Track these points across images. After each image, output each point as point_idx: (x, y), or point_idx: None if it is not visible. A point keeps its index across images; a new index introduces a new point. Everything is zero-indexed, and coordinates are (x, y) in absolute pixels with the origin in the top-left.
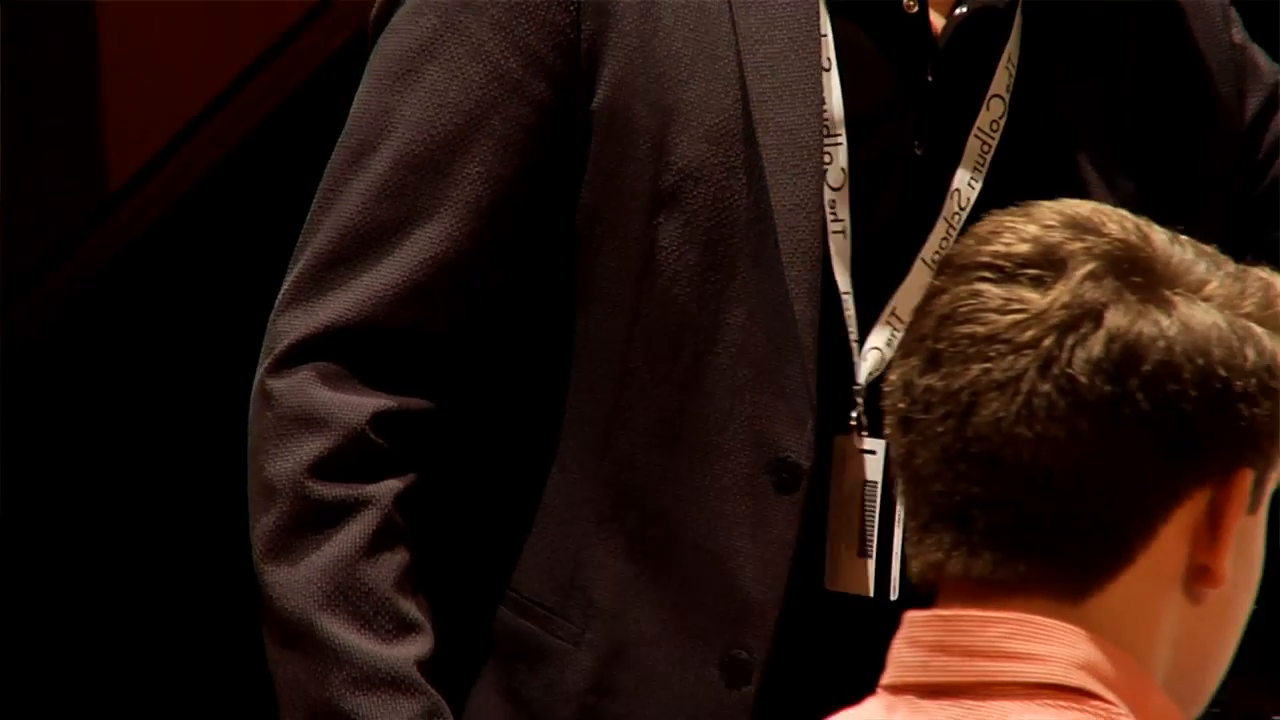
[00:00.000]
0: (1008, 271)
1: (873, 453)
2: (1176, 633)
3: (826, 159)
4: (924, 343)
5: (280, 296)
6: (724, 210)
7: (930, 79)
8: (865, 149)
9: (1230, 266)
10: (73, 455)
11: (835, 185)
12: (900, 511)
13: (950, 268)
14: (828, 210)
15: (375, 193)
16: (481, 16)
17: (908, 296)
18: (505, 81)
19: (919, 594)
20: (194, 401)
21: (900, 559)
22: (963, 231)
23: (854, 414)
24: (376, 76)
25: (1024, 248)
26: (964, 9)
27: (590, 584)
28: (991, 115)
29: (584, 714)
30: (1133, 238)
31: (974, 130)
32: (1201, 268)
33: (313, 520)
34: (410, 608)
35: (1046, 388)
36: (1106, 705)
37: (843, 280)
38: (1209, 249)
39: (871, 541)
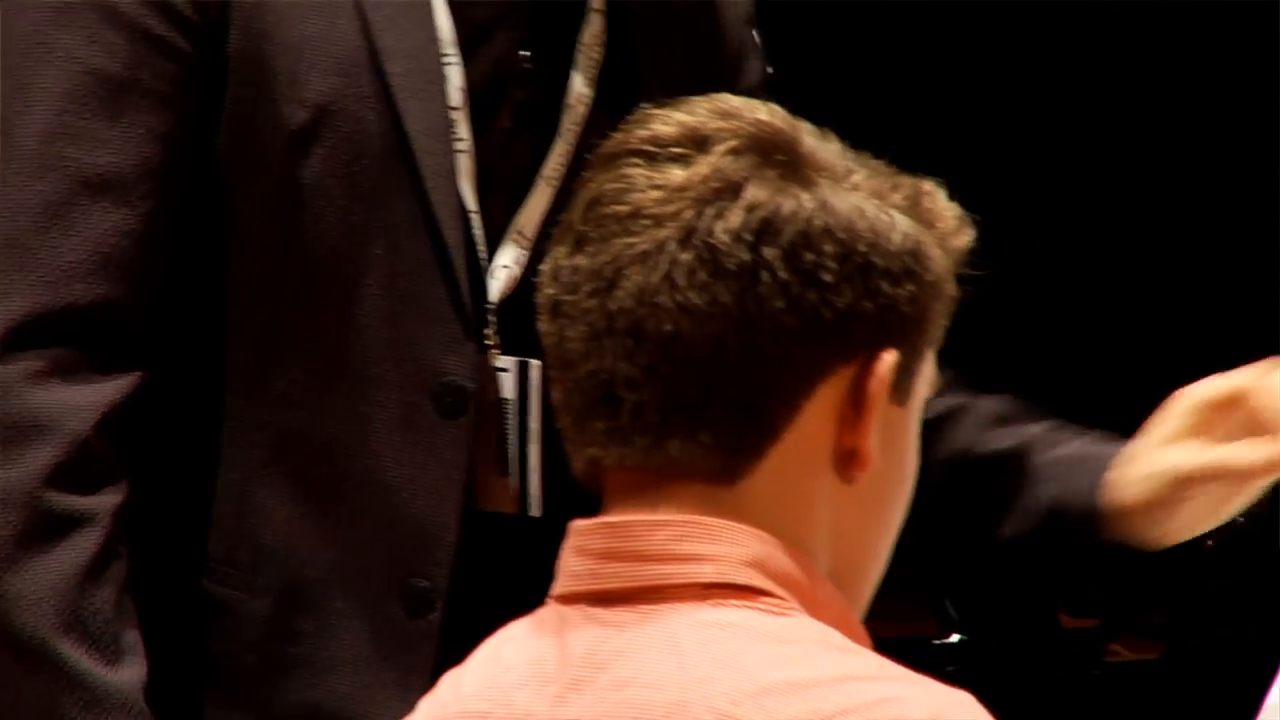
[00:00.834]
0: (653, 154)
1: (506, 370)
2: (832, 518)
3: (444, 79)
4: (572, 229)
5: None
6: (361, 140)
7: None
8: (477, 67)
9: (883, 168)
10: None
11: (455, 105)
12: (535, 427)
13: (600, 159)
14: (451, 130)
15: (33, 169)
16: None
17: (531, 215)
18: (148, 38)
19: (570, 509)
20: None
21: (540, 476)
22: (583, 147)
23: (488, 332)
24: (5, 55)
25: (670, 130)
26: None
27: (258, 530)
28: (593, 28)
29: (268, 662)
30: (780, 123)
31: (579, 43)
32: (849, 162)
33: (42, 533)
34: (130, 631)
35: (687, 257)
36: (777, 600)
37: (470, 199)
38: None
39: (513, 459)
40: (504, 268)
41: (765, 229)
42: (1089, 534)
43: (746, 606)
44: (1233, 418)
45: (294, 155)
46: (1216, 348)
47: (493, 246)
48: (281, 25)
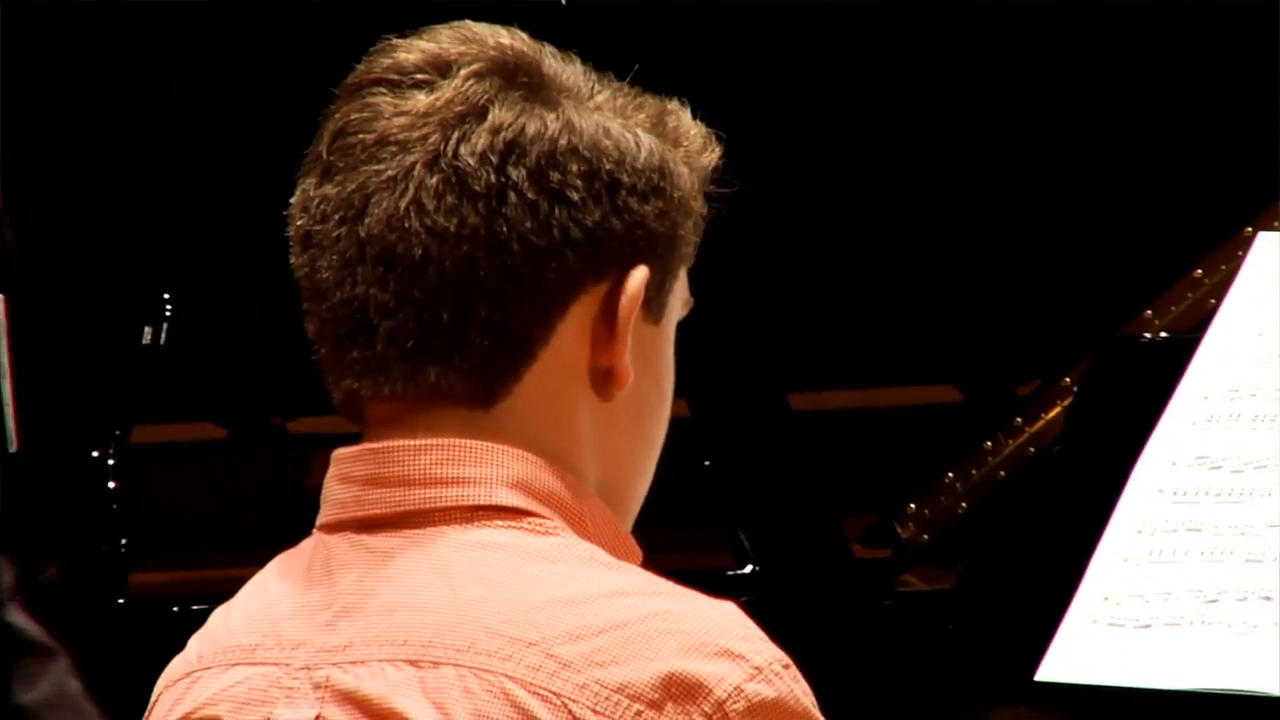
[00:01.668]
0: (396, 82)
1: None
2: (596, 436)
3: None
4: (319, 160)
5: None
6: None
7: None
8: None
9: (626, 89)
10: None
11: None
12: (4, 363)
13: (345, 90)
14: None
15: None
16: None
17: None
18: None
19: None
20: None
21: (6, 411)
22: None
23: None
24: None
25: (413, 58)
26: None
27: None
28: None
29: None
30: (523, 47)
31: None
32: (593, 84)
33: None
34: None
35: (434, 180)
36: (542, 520)
37: None
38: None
39: None
40: None
41: (511, 150)
42: None
43: (513, 527)
44: None
45: None
46: None
47: None
48: None
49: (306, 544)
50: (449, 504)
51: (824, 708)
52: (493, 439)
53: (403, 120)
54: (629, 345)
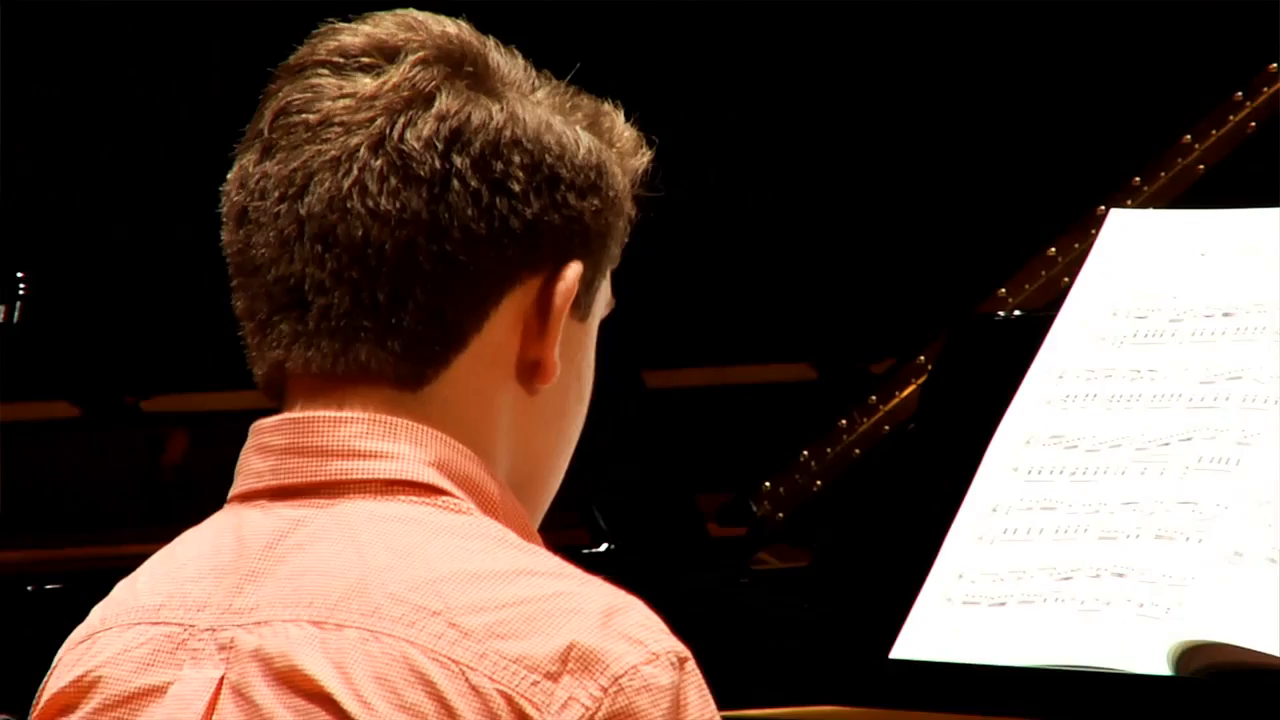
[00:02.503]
0: (341, 65)
1: None
2: (513, 427)
3: None
4: (259, 137)
5: None
6: None
7: None
8: None
9: (562, 87)
10: None
11: None
12: None
13: (285, 70)
14: None
15: None
16: None
17: None
18: None
19: None
20: None
21: None
22: None
23: None
24: None
25: (357, 41)
26: None
27: None
28: None
29: None
30: (467, 35)
31: None
32: (533, 79)
33: None
34: None
35: (379, 163)
36: (455, 499)
37: None
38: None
39: None
40: None
41: (456, 137)
42: None
43: (426, 503)
44: None
45: None
46: None
47: None
48: None
49: (217, 515)
50: (365, 476)
51: None
52: (415, 420)
53: (347, 102)
54: (558, 340)
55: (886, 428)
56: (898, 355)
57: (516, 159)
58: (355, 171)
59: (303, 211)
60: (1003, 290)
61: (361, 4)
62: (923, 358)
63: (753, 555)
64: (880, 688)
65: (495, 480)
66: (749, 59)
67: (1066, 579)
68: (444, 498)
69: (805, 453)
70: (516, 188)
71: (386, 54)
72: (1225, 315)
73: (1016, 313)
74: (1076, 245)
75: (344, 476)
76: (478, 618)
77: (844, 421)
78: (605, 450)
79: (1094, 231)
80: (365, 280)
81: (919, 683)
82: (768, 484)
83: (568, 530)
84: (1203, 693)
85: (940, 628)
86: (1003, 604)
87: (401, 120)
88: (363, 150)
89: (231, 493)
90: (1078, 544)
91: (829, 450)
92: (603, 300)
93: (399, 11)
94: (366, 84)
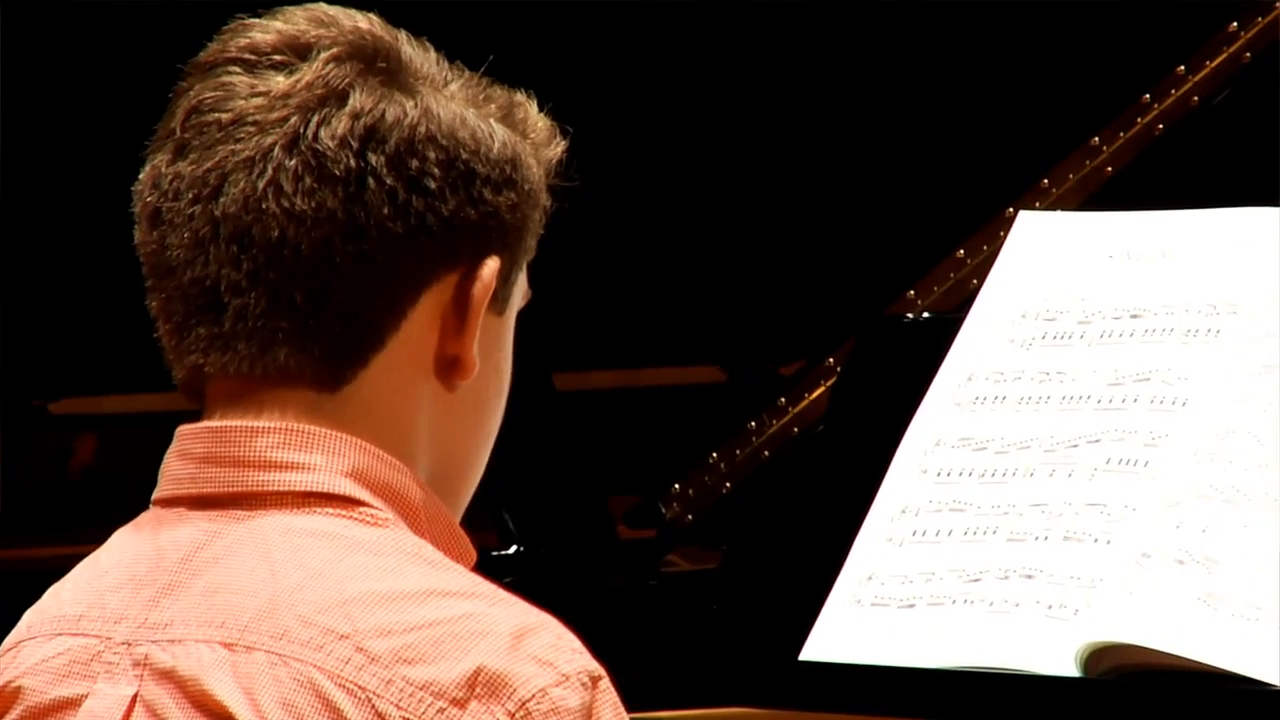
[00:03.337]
0: (253, 62)
1: None
2: (432, 425)
3: None
4: (172, 136)
5: None
6: None
7: None
8: None
9: (475, 79)
10: None
11: None
12: None
13: (196, 68)
14: None
15: None
16: None
17: None
18: None
19: None
20: None
21: None
22: None
23: None
24: None
25: (269, 38)
26: None
27: None
28: None
29: None
30: (379, 30)
31: None
32: (446, 71)
33: None
34: None
35: (293, 163)
36: (373, 511)
37: None
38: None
39: None
40: None
41: (371, 135)
42: None
43: (342, 515)
44: None
45: None
46: None
47: None
48: None
49: (142, 518)
50: (281, 488)
51: None
52: (334, 423)
53: (260, 101)
54: (477, 335)
55: (796, 429)
56: (807, 357)
57: (432, 155)
58: (270, 171)
59: (217, 212)
60: (911, 292)
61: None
62: (832, 360)
63: (662, 557)
64: (789, 689)
65: (417, 484)
66: (660, 61)
67: (975, 580)
68: (361, 509)
69: (714, 455)
70: (433, 185)
71: (298, 51)
72: (1133, 317)
73: (925, 314)
74: (985, 247)
75: (261, 488)
76: (385, 641)
77: (753, 423)
78: (515, 452)
79: (1002, 233)
80: (282, 281)
81: (828, 684)
82: (677, 486)
83: (478, 532)
84: (1111, 694)
85: (849, 629)
86: (912, 605)
87: (315, 119)
88: (277, 150)
89: (155, 495)
90: (987, 545)
91: (738, 452)
92: (519, 293)
93: (310, 6)
94: (279, 82)
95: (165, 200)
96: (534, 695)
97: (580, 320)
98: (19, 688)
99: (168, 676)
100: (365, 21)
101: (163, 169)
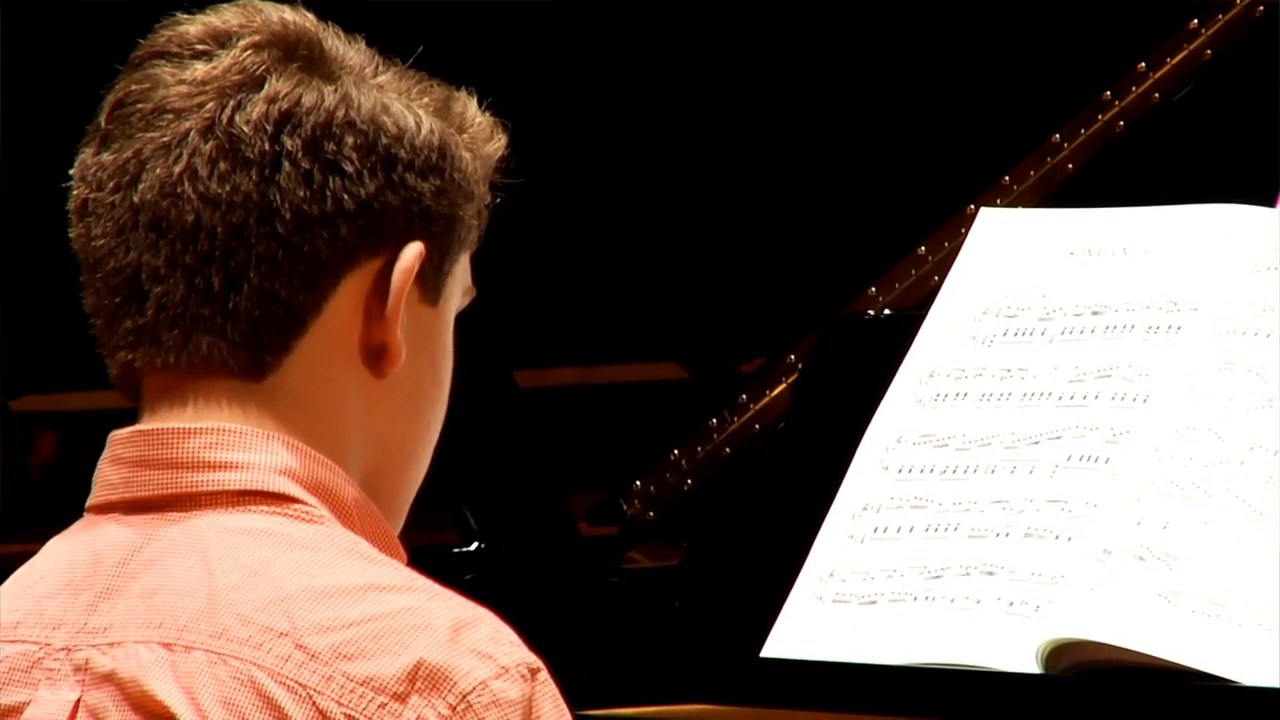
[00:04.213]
0: (177, 54)
1: None
2: (366, 418)
3: None
4: (98, 130)
5: None
6: None
7: None
8: None
9: (412, 74)
10: None
11: None
12: None
13: (129, 64)
14: None
15: None
16: None
17: None
18: None
19: None
20: None
21: None
22: None
23: None
24: None
25: (194, 30)
26: None
27: None
28: None
29: None
30: (306, 24)
31: None
32: (377, 65)
33: None
34: None
35: (208, 147)
36: (308, 508)
37: None
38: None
39: None
40: None
41: (286, 119)
42: None
43: (277, 513)
44: None
45: None
46: None
47: None
48: None
49: (77, 525)
50: (215, 488)
51: None
52: (263, 412)
53: (182, 89)
54: (402, 322)
55: (757, 426)
56: (768, 354)
57: (349, 140)
58: (185, 157)
59: (136, 199)
60: (873, 289)
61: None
62: (793, 356)
63: (623, 554)
64: (750, 686)
65: (350, 484)
66: (620, 57)
67: (936, 577)
68: (296, 505)
69: (676, 451)
70: (349, 168)
71: (220, 40)
72: (1095, 314)
73: (887, 311)
74: (946, 244)
75: (195, 489)
76: (324, 638)
77: (715, 420)
78: (475, 449)
79: (964, 230)
80: (199, 265)
81: (789, 681)
82: (638, 483)
83: (438, 530)
84: (1071, 690)
85: (811, 626)
86: (873, 602)
87: (231, 103)
88: (193, 135)
89: (89, 503)
90: (948, 542)
91: (700, 449)
92: (458, 286)
93: (241, 1)
94: (200, 69)
95: (91, 191)
96: (474, 688)
97: (541, 317)
98: None
99: (108, 680)
100: (292, 13)
101: (88, 161)
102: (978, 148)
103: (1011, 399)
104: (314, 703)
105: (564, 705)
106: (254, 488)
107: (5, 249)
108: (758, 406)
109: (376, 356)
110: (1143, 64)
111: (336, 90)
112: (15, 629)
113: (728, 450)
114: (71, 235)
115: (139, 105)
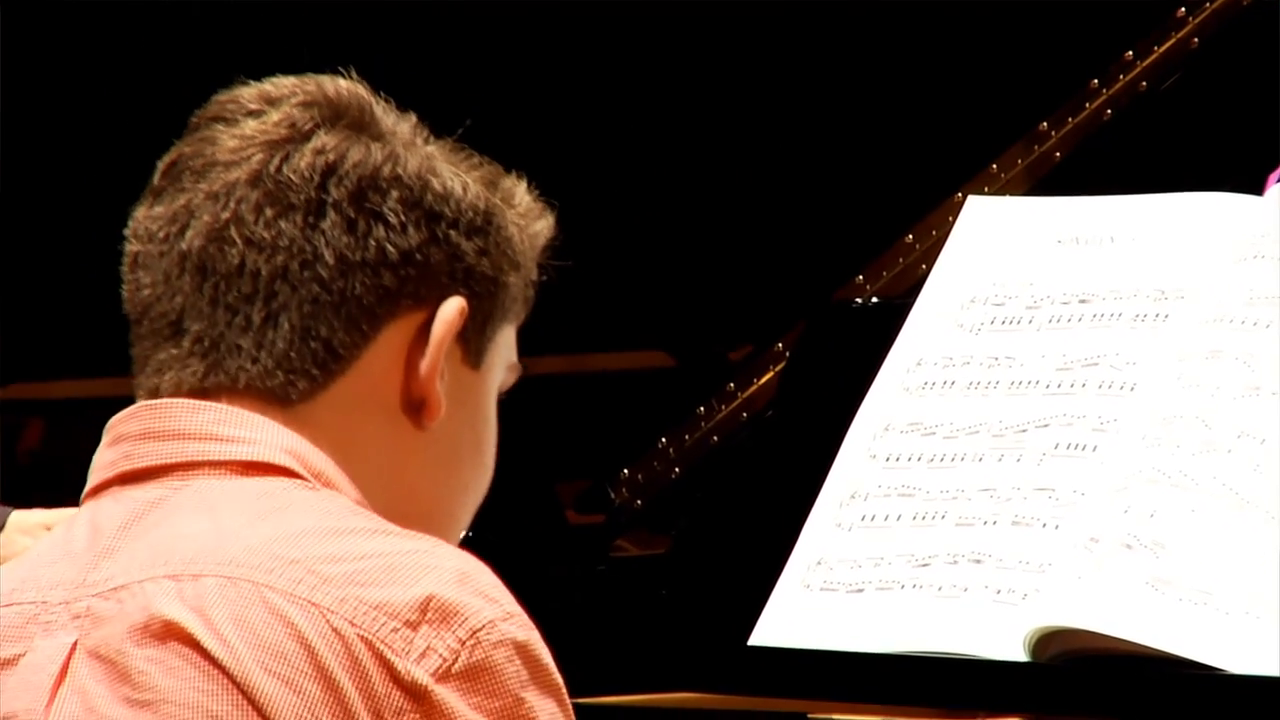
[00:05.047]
0: (231, 116)
1: None
2: (392, 465)
3: None
4: (152, 189)
5: None
6: None
7: None
8: None
9: (462, 149)
10: None
11: None
12: None
13: (187, 130)
14: None
15: None
16: None
17: None
18: None
19: None
20: None
21: None
22: None
23: None
24: None
25: (249, 94)
26: None
27: None
28: None
29: None
30: (359, 91)
31: None
32: (427, 136)
33: None
34: None
35: (255, 195)
36: (309, 482)
37: None
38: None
39: None
40: None
41: (332, 170)
42: None
43: (283, 480)
44: None
45: None
46: None
47: None
48: None
49: (72, 511)
50: (222, 457)
51: None
52: (284, 425)
53: (232, 144)
54: (443, 379)
55: (745, 415)
56: (756, 342)
57: (395, 194)
58: (233, 205)
59: (184, 246)
60: (860, 277)
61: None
62: (781, 344)
63: (611, 543)
64: (738, 674)
65: (352, 488)
66: (599, 48)
67: (924, 565)
68: (299, 480)
69: (663, 440)
70: (394, 220)
71: (272, 101)
72: (1082, 302)
73: (874, 300)
74: (934, 232)
75: (201, 458)
76: (337, 567)
77: (702, 409)
78: None
79: (951, 218)
80: (240, 304)
81: (776, 669)
82: (626, 471)
83: None
84: (1058, 678)
85: (798, 614)
86: (861, 590)
87: (279, 155)
88: (241, 184)
89: (86, 490)
90: (935, 530)
91: (687, 437)
92: (501, 357)
93: (303, 76)
94: (249, 126)
95: (142, 245)
96: (484, 625)
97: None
98: None
99: (111, 619)
100: (346, 84)
101: (140, 217)
102: (965, 136)
103: (999, 387)
104: (328, 621)
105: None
106: (261, 460)
107: None
108: (745, 395)
109: (417, 408)
110: (1130, 52)
111: (384, 148)
112: (11, 594)
113: (715, 438)
114: (124, 292)
115: (192, 162)
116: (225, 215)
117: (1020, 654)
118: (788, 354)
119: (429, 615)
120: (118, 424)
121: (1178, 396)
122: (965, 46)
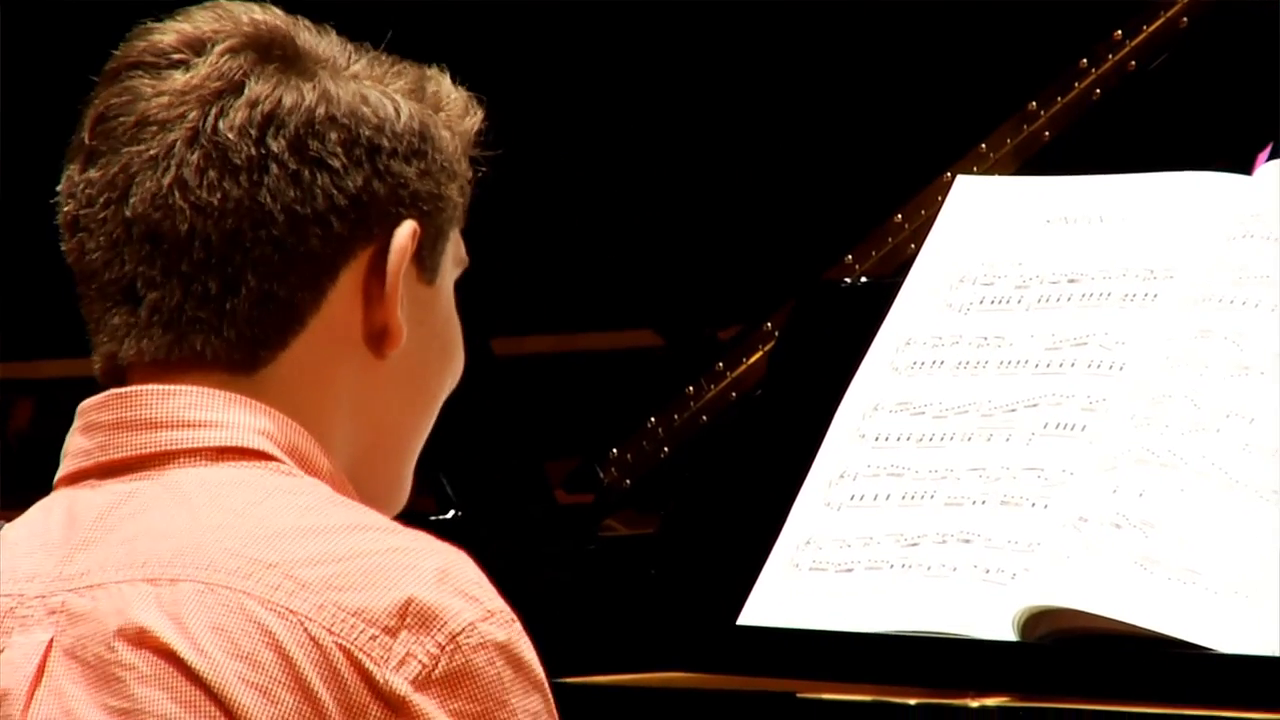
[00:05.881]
0: (154, 63)
1: None
2: (361, 402)
3: None
4: (82, 146)
5: None
6: None
7: None
8: None
9: (384, 58)
10: None
11: None
12: None
13: (104, 76)
14: None
15: None
16: None
17: None
18: None
19: None
20: None
21: None
22: None
23: None
24: None
25: (168, 39)
26: None
27: None
28: None
29: None
30: (276, 21)
31: None
32: (350, 53)
33: None
34: None
35: (195, 156)
36: (284, 465)
37: None
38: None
39: None
40: None
41: (269, 122)
42: None
43: (256, 466)
44: None
45: None
46: None
47: None
48: None
49: (47, 499)
50: (194, 445)
51: None
52: (248, 396)
53: (162, 100)
54: (402, 303)
55: (734, 394)
56: (745, 321)
57: (333, 136)
58: (174, 168)
59: (128, 213)
60: (849, 257)
61: None
62: (769, 324)
63: (600, 522)
64: (727, 653)
65: (325, 457)
66: (586, 30)
67: (913, 545)
68: (273, 463)
69: (652, 419)
70: (336, 164)
71: (196, 47)
72: (1071, 281)
73: (863, 279)
74: (923, 212)
75: (173, 447)
76: (314, 570)
77: (691, 388)
78: (452, 417)
79: (940, 198)
80: (195, 273)
81: (765, 648)
82: (615, 450)
83: (414, 497)
84: (1047, 658)
85: (787, 594)
86: (850, 570)
87: (214, 111)
88: (179, 145)
89: (58, 476)
90: (924, 510)
91: (676, 417)
92: (451, 261)
93: (210, 4)
94: (179, 79)
95: (80, 208)
96: (464, 629)
97: (516, 285)
98: None
99: (85, 618)
100: (261, 12)
101: (75, 177)
102: (954, 115)
103: (988, 367)
104: (305, 629)
105: (536, 656)
106: (233, 444)
107: None
108: (734, 374)
109: (378, 339)
110: (1119, 32)
111: (315, 87)
112: None
113: (704, 418)
114: (64, 249)
115: (121, 119)
116: (167, 180)
117: (1009, 633)
118: (777, 334)
119: (408, 620)
120: (90, 410)
121: (1167, 376)
122: (954, 26)
